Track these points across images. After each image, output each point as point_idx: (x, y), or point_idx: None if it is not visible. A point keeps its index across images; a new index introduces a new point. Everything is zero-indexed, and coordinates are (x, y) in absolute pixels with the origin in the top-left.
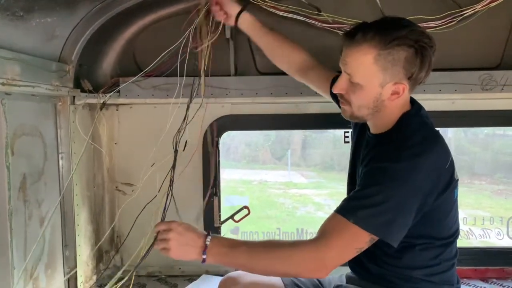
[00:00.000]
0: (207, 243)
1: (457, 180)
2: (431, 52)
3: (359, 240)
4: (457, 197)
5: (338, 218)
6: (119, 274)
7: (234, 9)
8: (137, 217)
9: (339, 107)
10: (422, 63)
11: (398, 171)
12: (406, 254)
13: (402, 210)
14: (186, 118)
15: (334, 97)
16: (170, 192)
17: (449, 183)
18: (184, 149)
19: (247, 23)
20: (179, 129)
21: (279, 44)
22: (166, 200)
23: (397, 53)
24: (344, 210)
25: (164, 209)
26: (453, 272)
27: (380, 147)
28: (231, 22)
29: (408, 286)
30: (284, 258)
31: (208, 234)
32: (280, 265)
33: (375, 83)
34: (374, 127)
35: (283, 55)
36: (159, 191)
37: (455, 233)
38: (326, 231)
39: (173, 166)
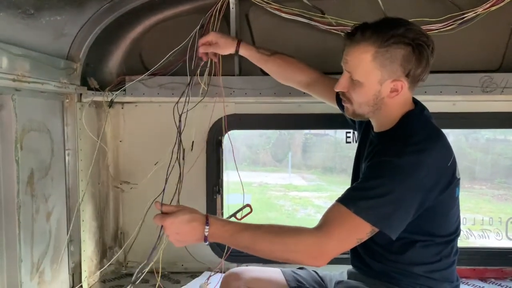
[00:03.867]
0: (206, 233)
1: (459, 178)
2: (429, 50)
3: (359, 230)
4: (458, 195)
5: (339, 208)
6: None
7: (229, 51)
8: (144, 216)
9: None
10: (419, 61)
11: (400, 166)
12: (408, 250)
13: (403, 204)
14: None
15: (341, 104)
16: (178, 190)
17: (451, 181)
18: (192, 149)
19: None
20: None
21: (281, 69)
22: (173, 196)
23: (394, 51)
24: (346, 199)
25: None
26: (453, 269)
27: (384, 143)
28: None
29: (409, 282)
30: (286, 246)
31: (206, 223)
32: (282, 252)
33: (374, 80)
34: (377, 126)
35: (287, 78)
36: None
37: (456, 231)
38: (328, 220)
39: (180, 165)
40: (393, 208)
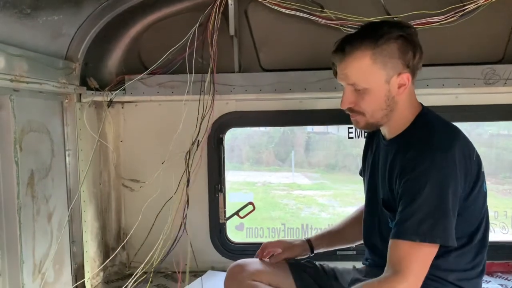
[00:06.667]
0: None
1: (483, 172)
2: (416, 37)
3: (430, 254)
4: (486, 190)
5: (403, 244)
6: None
7: (305, 253)
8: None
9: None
10: (414, 49)
11: (436, 173)
12: (442, 257)
13: (450, 209)
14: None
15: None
16: (186, 193)
17: (478, 175)
18: (197, 147)
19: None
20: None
21: (351, 238)
22: (187, 202)
23: (389, 47)
24: (406, 233)
25: (184, 210)
26: (481, 280)
27: (406, 152)
28: None
29: (435, 286)
30: None
31: None
32: None
33: (381, 81)
34: (391, 131)
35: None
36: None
37: (487, 227)
38: (397, 262)
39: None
40: (446, 217)
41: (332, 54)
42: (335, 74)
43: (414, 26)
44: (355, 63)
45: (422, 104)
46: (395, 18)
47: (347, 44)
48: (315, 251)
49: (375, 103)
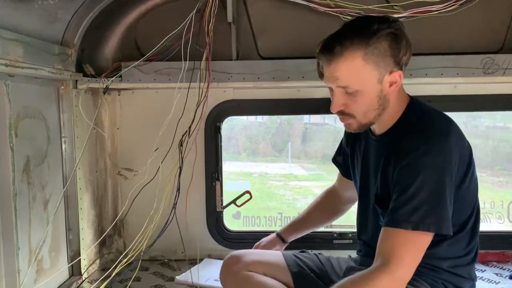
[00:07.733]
0: None
1: (474, 159)
2: (404, 32)
3: (423, 242)
4: (477, 177)
5: (395, 232)
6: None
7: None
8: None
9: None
10: (403, 45)
11: (431, 160)
12: (437, 244)
13: (447, 197)
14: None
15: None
16: (178, 179)
17: (470, 162)
18: (189, 135)
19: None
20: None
21: (317, 223)
22: (178, 190)
23: (380, 45)
24: (398, 221)
25: (176, 197)
26: (474, 266)
27: (401, 141)
28: None
29: (432, 276)
30: None
31: None
32: None
33: (373, 82)
34: (380, 126)
35: (331, 217)
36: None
37: (478, 215)
38: (388, 251)
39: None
40: (442, 206)
41: (318, 55)
42: (321, 76)
43: (413, 15)
44: (346, 64)
45: (409, 95)
46: (394, 7)
47: (336, 44)
48: (288, 242)
49: (367, 104)
